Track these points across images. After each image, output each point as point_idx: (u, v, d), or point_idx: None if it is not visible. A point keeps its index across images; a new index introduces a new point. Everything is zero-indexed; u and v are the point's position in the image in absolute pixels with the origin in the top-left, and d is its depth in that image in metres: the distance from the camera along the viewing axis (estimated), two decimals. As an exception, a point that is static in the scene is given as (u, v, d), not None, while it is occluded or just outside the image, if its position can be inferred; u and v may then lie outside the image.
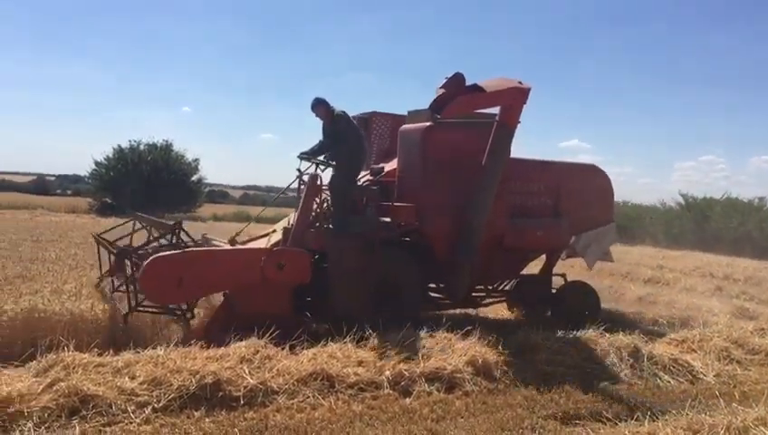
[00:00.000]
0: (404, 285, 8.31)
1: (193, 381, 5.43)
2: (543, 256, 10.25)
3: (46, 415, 4.81)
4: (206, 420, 5.12)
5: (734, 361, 7.69)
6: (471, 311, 10.26)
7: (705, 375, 7.16)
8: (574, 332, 7.71)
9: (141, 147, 40.35)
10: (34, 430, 4.64)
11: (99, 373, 5.38)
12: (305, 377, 5.87)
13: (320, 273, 7.79)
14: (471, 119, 8.62)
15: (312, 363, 6.07)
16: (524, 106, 8.38)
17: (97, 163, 39.90)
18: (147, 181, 37.48)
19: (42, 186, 71.99)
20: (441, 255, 8.62)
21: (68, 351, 5.63)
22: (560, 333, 7.62)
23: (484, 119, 8.67)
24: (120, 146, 40.21)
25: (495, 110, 8.56)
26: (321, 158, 8.27)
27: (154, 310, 7.25)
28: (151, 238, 8.38)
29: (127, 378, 5.36)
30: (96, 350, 5.83)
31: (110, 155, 39.86)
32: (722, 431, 4.78)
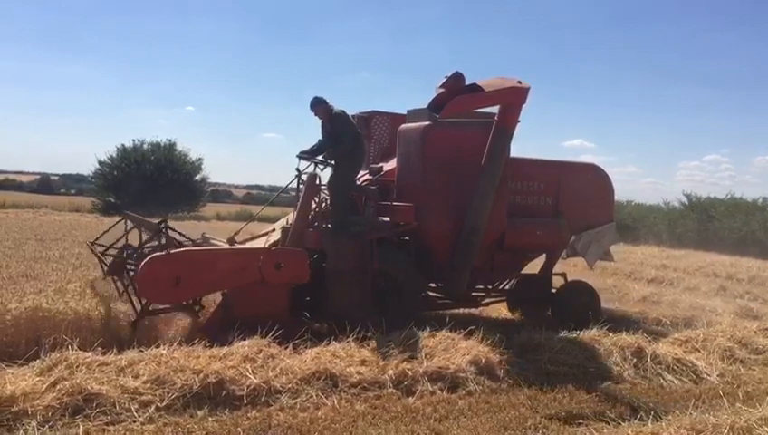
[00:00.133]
0: (403, 285, 8.30)
1: (196, 380, 5.43)
2: (543, 256, 10.20)
3: (50, 414, 4.82)
4: (210, 419, 5.13)
5: (738, 361, 7.68)
6: (474, 311, 10.26)
7: (708, 375, 7.14)
8: (577, 331, 7.70)
9: (145, 146, 40.42)
10: (38, 429, 4.66)
11: (102, 372, 5.39)
12: (308, 376, 5.87)
13: (319, 272, 7.78)
14: (471, 118, 8.61)
15: (316, 363, 6.08)
16: (524, 105, 8.35)
17: (100, 162, 39.97)
18: (150, 181, 37.52)
19: (45, 185, 72.27)
20: (440, 254, 8.62)
21: (72, 350, 5.62)
22: (563, 333, 7.61)
23: (483, 118, 8.65)
24: (123, 145, 40.31)
25: (495, 109, 8.54)
26: (320, 157, 8.26)
27: (163, 310, 7.26)
28: (143, 241, 8.35)
29: (130, 377, 5.37)
30: (99, 349, 5.84)
31: (114, 154, 39.93)
32: (725, 431, 4.77)
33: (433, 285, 9.33)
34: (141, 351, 5.89)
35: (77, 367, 5.36)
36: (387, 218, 8.41)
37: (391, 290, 8.22)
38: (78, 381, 5.10)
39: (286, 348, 6.38)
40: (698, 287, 14.85)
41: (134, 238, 8.64)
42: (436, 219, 8.50)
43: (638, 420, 5.25)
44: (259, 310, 6.99)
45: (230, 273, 7.19)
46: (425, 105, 8.15)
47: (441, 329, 7.13)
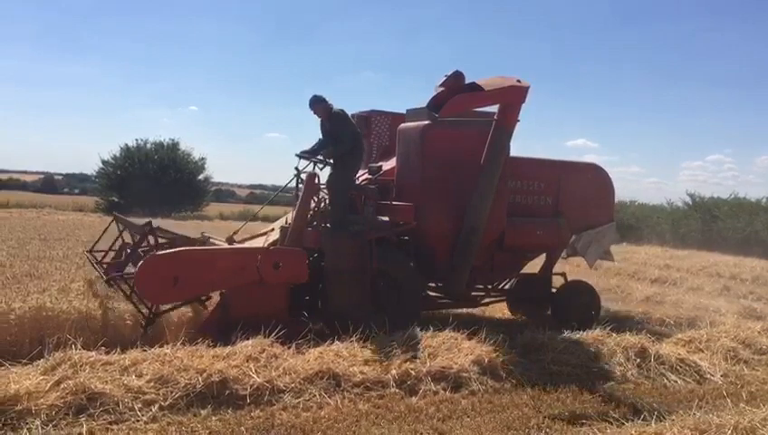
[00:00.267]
0: (403, 285, 8.27)
1: (200, 379, 5.44)
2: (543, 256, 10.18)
3: (54, 413, 4.82)
4: (213, 418, 5.13)
5: (742, 361, 7.67)
6: (477, 311, 10.25)
7: (712, 375, 7.13)
8: (580, 331, 7.69)
9: (148, 146, 40.49)
10: (42, 428, 4.66)
11: (106, 371, 5.40)
12: (311, 376, 5.88)
13: (318, 272, 7.76)
14: (470, 117, 8.59)
15: (319, 362, 6.08)
16: (523, 105, 8.29)
17: (104, 162, 40.03)
18: (153, 180, 37.57)
19: (49, 185, 72.51)
20: (440, 254, 8.60)
21: (75, 349, 5.64)
22: (566, 333, 7.60)
23: (483, 117, 8.62)
24: (126, 145, 40.38)
25: (495, 108, 8.51)
26: (320, 156, 8.25)
27: (171, 308, 7.27)
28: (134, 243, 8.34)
29: (134, 376, 5.38)
30: (103, 348, 5.85)
31: (117, 154, 40.00)
32: (729, 432, 4.76)
33: (432, 284, 9.31)
34: (145, 350, 5.89)
35: (80, 366, 5.37)
36: (386, 218, 8.38)
37: (390, 290, 8.19)
38: (81, 380, 5.11)
39: (289, 348, 6.38)
40: (702, 287, 14.82)
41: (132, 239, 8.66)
42: (435, 219, 8.48)
43: (642, 420, 5.24)
44: (257, 310, 6.97)
45: (228, 272, 7.17)
46: (426, 104, 8.13)
47: (444, 329, 7.13)
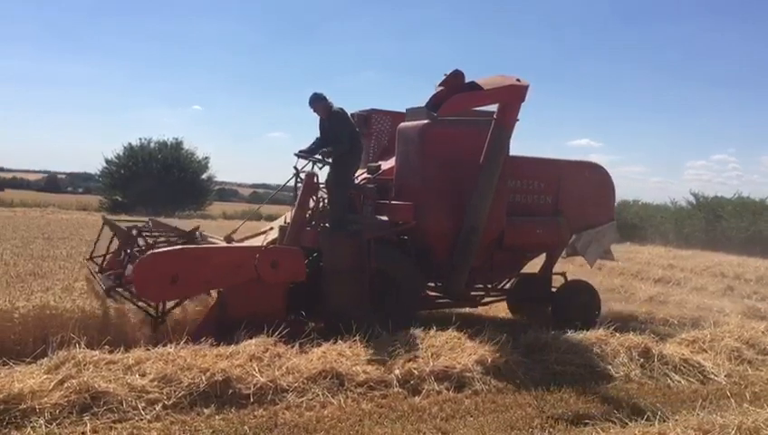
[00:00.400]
0: (402, 284, 8.25)
1: (203, 378, 5.44)
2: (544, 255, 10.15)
3: (57, 412, 4.83)
4: (216, 417, 5.14)
5: (746, 361, 7.65)
6: (480, 310, 10.25)
7: (715, 375, 7.12)
8: (584, 331, 7.68)
9: (152, 145, 40.65)
10: (46, 427, 4.67)
11: (109, 370, 5.41)
12: (315, 375, 5.87)
13: (317, 271, 7.74)
14: (470, 116, 8.56)
15: (322, 362, 6.08)
16: (522, 104, 8.26)
17: (107, 161, 40.21)
18: (157, 179, 37.63)
19: (53, 184, 72.68)
20: (439, 253, 8.59)
21: (79, 348, 5.65)
22: (569, 333, 7.59)
23: (483, 116, 8.59)
24: (130, 144, 40.54)
25: (495, 107, 8.48)
26: (318, 155, 8.23)
27: (177, 305, 7.27)
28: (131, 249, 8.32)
29: (137, 375, 5.38)
30: (107, 347, 5.85)
31: (121, 153, 40.12)
32: (733, 432, 4.76)
33: (432, 284, 9.28)
34: (148, 349, 5.90)
35: (84, 365, 5.38)
36: (385, 217, 8.36)
37: (389, 289, 8.17)
38: (85, 379, 5.11)
39: (293, 347, 6.38)
40: (706, 287, 14.79)
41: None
42: (434, 218, 8.46)
43: (645, 420, 5.22)
44: (255, 309, 6.96)
45: (226, 271, 7.15)
46: (426, 104, 8.09)
47: (447, 328, 7.13)
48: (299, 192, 8.12)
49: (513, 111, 8.30)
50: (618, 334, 7.56)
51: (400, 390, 5.96)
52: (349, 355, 6.36)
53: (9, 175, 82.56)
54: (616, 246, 10.62)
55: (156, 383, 5.30)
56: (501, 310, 10.60)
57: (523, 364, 6.74)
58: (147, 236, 8.07)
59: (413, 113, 9.02)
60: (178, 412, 5.11)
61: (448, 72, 7.91)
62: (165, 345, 6.01)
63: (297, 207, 7.98)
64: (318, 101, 8.16)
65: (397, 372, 6.14)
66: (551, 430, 5.33)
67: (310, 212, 8.16)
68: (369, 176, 8.77)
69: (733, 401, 5.90)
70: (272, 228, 9.00)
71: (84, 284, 8.18)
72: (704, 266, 18.08)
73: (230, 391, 5.46)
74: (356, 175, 8.63)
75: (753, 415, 5.04)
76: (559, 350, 7.12)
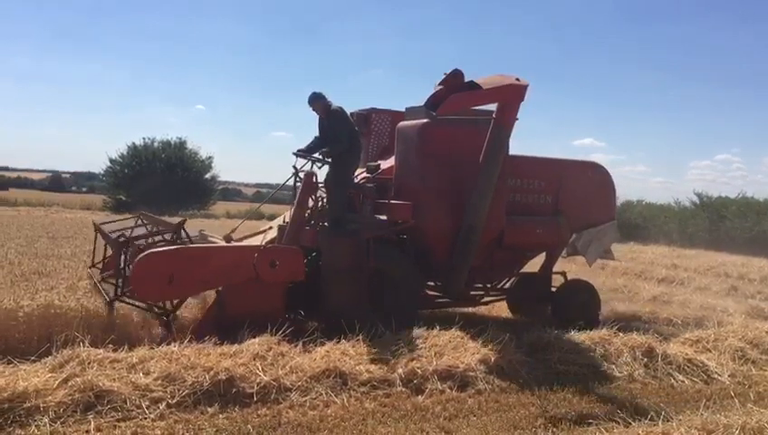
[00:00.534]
0: (401, 284, 8.23)
1: (207, 377, 5.46)
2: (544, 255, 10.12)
3: (62, 410, 4.85)
4: (220, 416, 5.15)
5: (750, 361, 7.64)
6: (483, 310, 10.24)
7: (719, 375, 7.11)
8: (587, 331, 7.67)
9: (155, 144, 40.69)
10: (50, 425, 4.69)
11: (114, 369, 5.42)
12: (318, 374, 5.89)
13: (316, 271, 7.73)
14: (469, 115, 8.53)
15: (325, 361, 6.09)
16: (522, 103, 8.21)
17: (111, 160, 40.26)
18: (161, 179, 37.67)
19: (57, 183, 72.83)
20: (438, 253, 8.57)
21: (83, 346, 5.67)
22: (573, 333, 7.58)
23: (482, 116, 8.56)
24: (134, 143, 40.57)
25: (494, 106, 8.43)
26: (317, 155, 8.21)
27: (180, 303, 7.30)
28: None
29: (141, 374, 5.39)
30: (111, 346, 5.87)
31: (125, 152, 40.17)
32: (736, 432, 4.75)
33: (431, 283, 9.26)
34: (152, 348, 5.92)
35: (88, 364, 5.40)
36: (384, 217, 8.32)
37: (388, 289, 8.15)
38: (89, 377, 5.13)
39: (296, 346, 6.39)
40: (709, 287, 14.76)
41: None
42: (433, 218, 8.44)
43: (649, 420, 5.22)
44: (254, 308, 6.95)
45: (224, 270, 7.13)
46: (425, 103, 8.07)
47: (450, 328, 7.13)
48: (298, 191, 8.11)
49: (513, 111, 8.26)
50: (621, 334, 7.56)
51: (403, 389, 5.96)
52: (352, 354, 6.36)
53: (14, 174, 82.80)
54: (619, 245, 10.62)
55: (160, 382, 5.32)
56: (504, 310, 10.59)
57: (527, 364, 6.74)
58: (137, 238, 7.99)
59: (412, 112, 8.98)
60: (182, 411, 5.12)
61: (448, 71, 7.89)
62: (169, 344, 6.03)
63: (296, 206, 7.97)
64: (317, 100, 8.14)
65: (400, 371, 6.15)
66: (554, 429, 5.33)
67: (309, 211, 8.15)
68: (368, 175, 8.76)
69: (736, 400, 5.90)
70: (271, 228, 8.98)
71: (88, 282, 8.20)
72: (707, 266, 18.05)
73: (234, 389, 5.48)
74: (355, 174, 8.62)
75: (756, 415, 5.03)
76: (562, 349, 7.11)
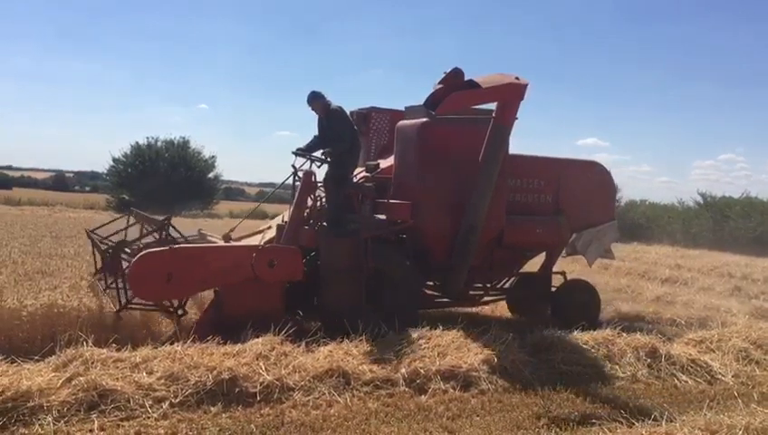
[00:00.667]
0: (400, 284, 8.20)
1: (210, 376, 5.47)
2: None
3: (65, 409, 4.87)
4: (223, 415, 5.16)
5: (753, 361, 7.61)
6: (486, 310, 10.24)
7: (723, 376, 7.09)
8: (591, 331, 7.66)
9: (159, 144, 40.65)
10: (54, 424, 4.70)
11: (117, 368, 5.44)
12: (321, 374, 5.89)
13: (315, 270, 7.72)
14: (469, 114, 8.50)
15: (328, 360, 6.09)
16: (521, 102, 8.18)
17: (115, 160, 40.25)
18: (164, 178, 37.70)
19: (60, 182, 72.87)
20: (438, 253, 8.56)
21: (87, 346, 5.68)
22: (576, 333, 7.57)
23: (482, 115, 8.53)
24: (137, 143, 40.57)
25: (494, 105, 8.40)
26: (317, 154, 8.18)
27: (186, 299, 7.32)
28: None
29: (144, 373, 5.41)
30: (114, 345, 5.88)
31: (128, 152, 40.19)
32: (740, 432, 4.75)
33: (431, 283, 9.22)
34: (155, 347, 5.93)
35: (92, 363, 5.41)
36: (383, 216, 8.30)
37: (388, 289, 8.12)
38: (93, 376, 5.15)
39: (299, 346, 6.39)
40: (713, 287, 14.72)
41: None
42: (433, 217, 8.41)
43: (652, 420, 5.22)
44: (252, 308, 6.95)
45: (222, 270, 7.13)
46: (424, 102, 8.05)
47: (454, 328, 7.13)
48: (297, 191, 8.09)
49: (512, 110, 8.23)
50: (625, 334, 7.55)
51: (407, 389, 5.97)
52: (355, 354, 6.37)
53: (17, 173, 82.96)
54: (623, 245, 10.60)
55: (163, 381, 5.34)
56: (507, 310, 10.58)
57: (530, 364, 6.74)
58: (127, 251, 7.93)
59: (412, 111, 8.96)
60: (185, 410, 5.14)
61: (448, 70, 7.87)
62: (172, 344, 6.04)
63: (295, 205, 7.95)
64: (316, 100, 8.12)
65: (403, 371, 6.15)
66: (557, 429, 5.32)
67: (307, 211, 8.14)
68: (367, 174, 8.75)
69: (740, 401, 5.88)
70: (270, 227, 8.95)
71: (92, 292, 8.19)
72: (711, 267, 17.99)
73: (237, 389, 5.49)
74: (354, 173, 8.60)
75: (760, 416, 5.03)
76: (565, 350, 7.11)
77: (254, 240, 8.39)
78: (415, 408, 5.61)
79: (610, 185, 10.07)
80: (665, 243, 25.92)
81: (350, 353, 6.36)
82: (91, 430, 4.71)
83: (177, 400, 5.21)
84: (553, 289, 9.95)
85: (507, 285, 9.96)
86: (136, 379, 5.30)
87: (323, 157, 8.12)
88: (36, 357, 5.70)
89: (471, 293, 9.39)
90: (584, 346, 7.24)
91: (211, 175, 42.27)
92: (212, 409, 5.22)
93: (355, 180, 8.58)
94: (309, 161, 8.14)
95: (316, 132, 8.34)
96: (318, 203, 8.22)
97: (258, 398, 5.46)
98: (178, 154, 40.25)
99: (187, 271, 6.94)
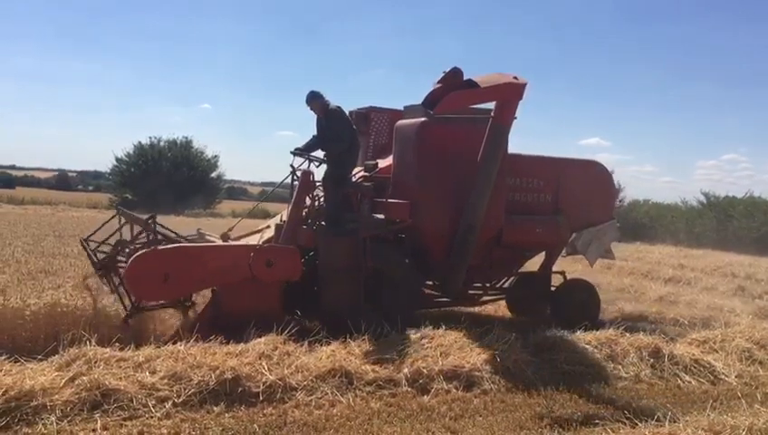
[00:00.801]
0: (399, 283, 8.18)
1: (213, 376, 5.47)
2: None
3: (68, 409, 4.88)
4: (226, 415, 5.16)
5: (757, 362, 7.60)
6: (489, 309, 10.22)
7: (726, 376, 7.08)
8: (594, 331, 7.65)
9: (161, 143, 40.79)
10: (57, 423, 4.71)
11: (120, 368, 5.44)
12: (324, 374, 5.89)
13: (313, 270, 7.72)
14: (468, 114, 8.48)
15: (331, 360, 6.10)
16: (520, 102, 8.13)
17: (118, 159, 40.42)
18: (167, 178, 37.77)
19: (63, 182, 73.02)
20: (436, 252, 8.54)
21: (90, 345, 5.69)
22: (579, 333, 7.56)
23: (481, 114, 8.51)
24: (140, 142, 40.68)
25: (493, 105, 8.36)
26: (315, 154, 8.18)
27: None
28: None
29: (147, 373, 5.42)
30: (117, 344, 5.89)
31: (131, 151, 40.28)
32: (743, 433, 4.74)
33: (429, 282, 9.20)
34: (158, 347, 5.94)
35: (95, 362, 5.42)
36: (382, 216, 8.28)
37: (386, 288, 8.11)
38: (96, 376, 5.15)
39: (302, 345, 6.40)
40: (716, 287, 14.69)
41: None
42: (431, 216, 8.39)
43: (655, 420, 5.21)
44: (250, 308, 6.95)
45: (220, 270, 7.12)
46: (422, 101, 8.03)
47: (456, 327, 7.13)
48: (295, 190, 8.08)
49: (511, 109, 8.20)
50: (628, 334, 7.54)
51: (409, 389, 5.96)
52: (357, 354, 6.37)
53: (21, 173, 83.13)
54: (626, 245, 10.58)
55: (166, 381, 5.34)
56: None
57: (533, 364, 6.73)
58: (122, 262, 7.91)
59: (411, 111, 8.94)
60: (188, 410, 5.14)
61: (447, 69, 7.85)
62: (175, 343, 6.05)
63: (293, 205, 7.94)
64: (314, 99, 8.11)
65: (406, 370, 6.15)
66: (560, 429, 5.32)
67: (306, 210, 8.13)
68: (366, 174, 8.74)
69: (743, 401, 5.86)
70: (268, 226, 8.95)
71: (95, 281, 8.20)
72: (714, 266, 17.96)
73: (239, 389, 5.49)
74: (353, 173, 8.59)
75: (764, 416, 5.02)
76: (568, 350, 7.10)
77: (253, 240, 8.39)
78: (417, 408, 5.60)
79: (610, 184, 10.05)
80: (668, 243, 25.89)
81: (352, 353, 6.36)
82: (94, 430, 4.72)
83: (180, 399, 5.21)
84: (553, 288, 9.95)
85: (507, 285, 9.94)
86: (139, 378, 5.30)
87: (324, 156, 8.12)
88: (39, 356, 5.71)
89: (470, 292, 9.38)
90: (587, 346, 7.23)
91: (214, 174, 42.43)
92: (215, 408, 5.22)
93: (354, 180, 8.58)
94: (307, 161, 8.14)
95: (315, 132, 8.33)
96: (316, 202, 8.22)
97: (261, 398, 5.46)
98: (181, 154, 40.37)
99: (185, 270, 6.93)
